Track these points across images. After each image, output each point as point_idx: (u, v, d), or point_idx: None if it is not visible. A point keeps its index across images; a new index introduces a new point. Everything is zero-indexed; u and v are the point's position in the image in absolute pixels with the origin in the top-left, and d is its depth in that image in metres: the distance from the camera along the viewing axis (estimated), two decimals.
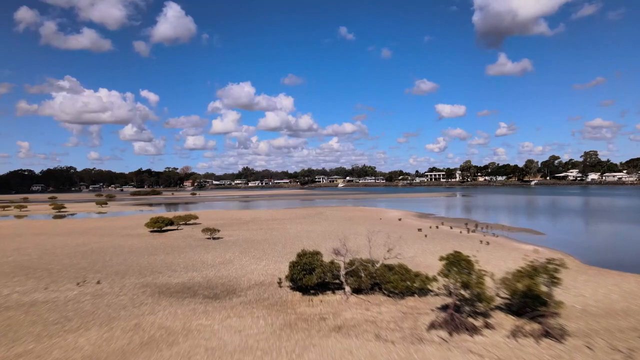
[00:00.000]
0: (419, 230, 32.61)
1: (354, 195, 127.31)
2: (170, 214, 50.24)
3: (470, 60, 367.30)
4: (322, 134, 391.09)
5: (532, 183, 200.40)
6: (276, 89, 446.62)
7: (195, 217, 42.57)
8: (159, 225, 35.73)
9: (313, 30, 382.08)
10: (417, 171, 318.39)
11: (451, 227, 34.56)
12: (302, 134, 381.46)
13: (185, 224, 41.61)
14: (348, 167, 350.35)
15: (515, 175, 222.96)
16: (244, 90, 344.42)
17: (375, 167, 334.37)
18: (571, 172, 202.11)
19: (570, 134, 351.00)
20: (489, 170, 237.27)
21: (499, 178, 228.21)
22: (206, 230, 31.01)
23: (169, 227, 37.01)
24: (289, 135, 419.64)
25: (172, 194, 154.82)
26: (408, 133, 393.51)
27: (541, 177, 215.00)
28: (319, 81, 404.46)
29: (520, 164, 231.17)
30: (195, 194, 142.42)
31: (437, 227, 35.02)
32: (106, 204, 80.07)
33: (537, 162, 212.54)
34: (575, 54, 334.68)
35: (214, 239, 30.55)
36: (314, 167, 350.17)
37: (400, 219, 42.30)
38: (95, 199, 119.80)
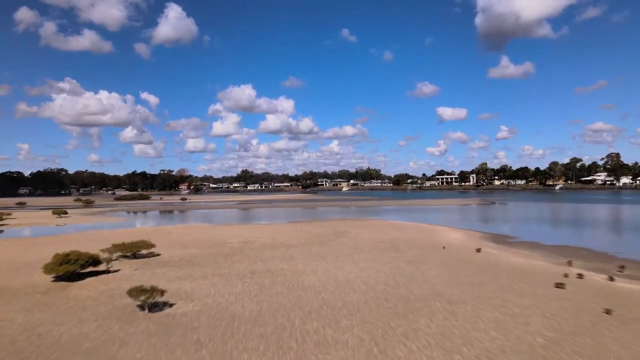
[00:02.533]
0: (559, 287, 16.71)
1: (364, 201, 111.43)
2: (121, 233, 34.49)
3: (472, 63, 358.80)
4: (322, 136, 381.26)
5: (557, 187, 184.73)
6: (277, 91, 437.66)
7: (150, 246, 26.56)
8: (68, 269, 19.79)
9: (315, 33, 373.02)
10: (424, 174, 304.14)
11: (611, 279, 18.57)
12: (302, 136, 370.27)
13: (134, 255, 25.81)
14: (349, 169, 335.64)
15: (536, 179, 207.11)
16: (244, 92, 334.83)
17: (380, 170, 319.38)
18: (599, 176, 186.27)
19: (571, 137, 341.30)
20: (507, 174, 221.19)
21: (519, 182, 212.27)
22: (139, 291, 15.12)
23: (92, 269, 21.14)
24: (289, 138, 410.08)
25: (161, 198, 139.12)
26: (408, 136, 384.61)
27: (565, 180, 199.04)
28: (319, 84, 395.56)
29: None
30: (185, 199, 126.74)
31: (578, 275, 19.02)
32: (66, 213, 64.26)
33: (561, 164, 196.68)
34: (578, 57, 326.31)
35: (150, 310, 14.69)
36: (314, 170, 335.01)
37: (479, 250, 26.34)
38: (65, 205, 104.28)
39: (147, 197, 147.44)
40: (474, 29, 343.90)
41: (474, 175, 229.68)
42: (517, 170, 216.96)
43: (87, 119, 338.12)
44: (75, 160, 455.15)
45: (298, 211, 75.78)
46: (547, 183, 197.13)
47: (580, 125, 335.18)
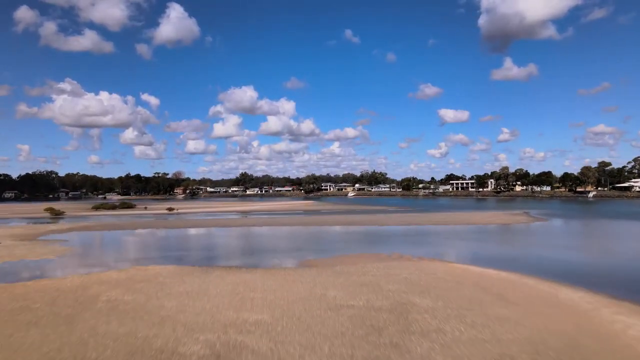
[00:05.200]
0: None
1: (381, 214, 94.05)
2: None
3: (475, 65, 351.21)
4: (323, 138, 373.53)
5: (590, 195, 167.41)
6: (278, 92, 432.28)
7: None
8: None
9: (318, 33, 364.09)
10: (433, 178, 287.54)
11: None
12: (303, 138, 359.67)
13: None
14: (351, 172, 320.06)
15: (565, 185, 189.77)
16: (246, 94, 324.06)
17: (386, 174, 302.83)
18: (636, 182, 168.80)
19: (572, 140, 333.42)
20: (530, 179, 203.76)
21: (545, 188, 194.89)
22: None
23: None
24: (290, 140, 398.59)
25: (145, 207, 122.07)
26: (410, 138, 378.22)
27: (595, 187, 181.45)
28: (321, 85, 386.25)
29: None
30: (172, 209, 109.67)
31: None
32: None
33: (594, 169, 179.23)
34: (583, 59, 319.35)
35: None
36: (315, 172, 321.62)
37: None
38: (31, 214, 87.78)
39: (131, 206, 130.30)
40: (478, 30, 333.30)
41: (492, 180, 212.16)
42: (540, 174, 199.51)
43: (87, 120, 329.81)
44: (76, 162, 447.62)
45: (307, 233, 58.74)
46: (577, 190, 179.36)
47: (582, 128, 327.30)
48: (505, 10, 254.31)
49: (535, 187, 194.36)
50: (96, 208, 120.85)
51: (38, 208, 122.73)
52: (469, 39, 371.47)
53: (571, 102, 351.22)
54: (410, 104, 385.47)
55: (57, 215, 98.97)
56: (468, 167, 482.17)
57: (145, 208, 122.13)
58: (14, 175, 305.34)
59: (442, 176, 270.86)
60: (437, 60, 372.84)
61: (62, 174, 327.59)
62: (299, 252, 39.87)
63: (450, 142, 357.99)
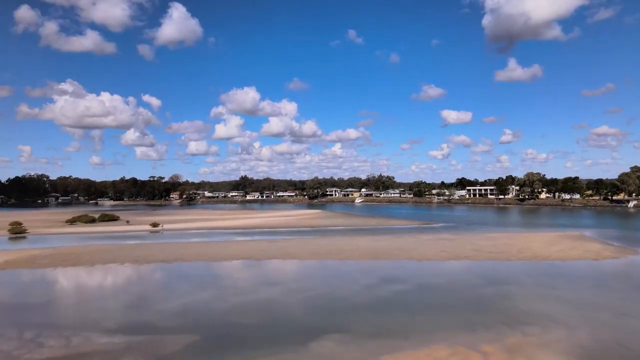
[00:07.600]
0: None
1: (402, 231, 77.47)
2: None
3: (479, 66, 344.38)
4: (325, 140, 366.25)
5: (631, 205, 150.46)
6: (280, 94, 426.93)
7: None
8: None
9: (321, 34, 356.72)
10: (442, 182, 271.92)
11: None
12: (305, 140, 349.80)
13: None
14: (356, 175, 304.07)
15: (599, 193, 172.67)
16: (248, 95, 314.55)
17: (394, 177, 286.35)
18: None
19: (575, 141, 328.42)
20: (559, 186, 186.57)
21: (575, 196, 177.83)
22: None
23: None
24: (292, 141, 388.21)
25: (128, 222, 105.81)
26: (412, 140, 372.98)
27: (630, 194, 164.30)
28: (324, 86, 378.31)
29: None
30: (157, 224, 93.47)
31: None
32: None
33: (634, 175, 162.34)
34: (588, 60, 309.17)
35: None
36: (316, 173, 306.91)
37: None
38: None
39: (113, 218, 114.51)
40: (482, 31, 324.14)
41: (514, 186, 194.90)
42: (566, 180, 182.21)
43: (88, 121, 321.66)
44: (77, 163, 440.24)
45: (323, 278, 42.76)
46: (613, 198, 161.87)
47: (585, 129, 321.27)
48: (510, 10, 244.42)
49: (565, 195, 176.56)
50: (71, 222, 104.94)
51: (5, 220, 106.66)
52: (473, 39, 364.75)
53: (575, 103, 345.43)
54: (412, 105, 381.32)
55: (17, 233, 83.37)
56: (470, 168, 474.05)
57: (128, 222, 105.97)
58: (4, 179, 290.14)
59: (445, 178, 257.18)
60: (441, 61, 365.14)
61: (63, 174, 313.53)
62: (319, 342, 23.70)
63: (452, 143, 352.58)
